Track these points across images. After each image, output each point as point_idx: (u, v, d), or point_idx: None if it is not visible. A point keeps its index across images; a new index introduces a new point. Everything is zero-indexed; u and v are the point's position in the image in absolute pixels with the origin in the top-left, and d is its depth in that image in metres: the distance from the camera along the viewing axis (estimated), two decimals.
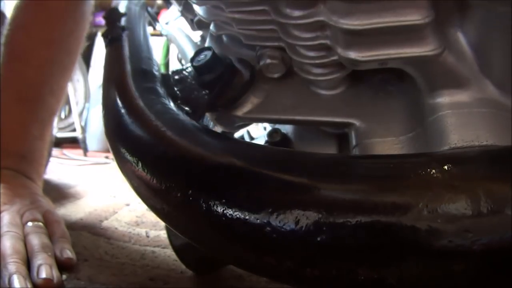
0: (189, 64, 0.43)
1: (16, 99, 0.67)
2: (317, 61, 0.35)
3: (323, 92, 0.39)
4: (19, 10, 0.69)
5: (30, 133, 0.68)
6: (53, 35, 0.69)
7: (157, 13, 1.48)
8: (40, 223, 0.55)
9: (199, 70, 0.41)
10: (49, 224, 0.56)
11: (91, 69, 2.48)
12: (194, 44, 0.84)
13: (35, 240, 0.51)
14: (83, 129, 2.25)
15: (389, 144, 0.35)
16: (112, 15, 0.57)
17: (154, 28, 1.09)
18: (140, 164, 0.35)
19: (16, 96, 0.67)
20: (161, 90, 0.43)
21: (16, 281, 0.44)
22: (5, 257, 0.48)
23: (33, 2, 0.68)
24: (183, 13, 0.53)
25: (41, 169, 0.70)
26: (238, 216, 0.27)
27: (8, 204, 0.57)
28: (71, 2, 0.70)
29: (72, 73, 0.76)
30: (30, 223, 0.54)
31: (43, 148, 0.70)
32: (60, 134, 2.20)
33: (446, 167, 0.24)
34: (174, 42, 0.98)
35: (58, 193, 1.03)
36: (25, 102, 0.68)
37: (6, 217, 0.54)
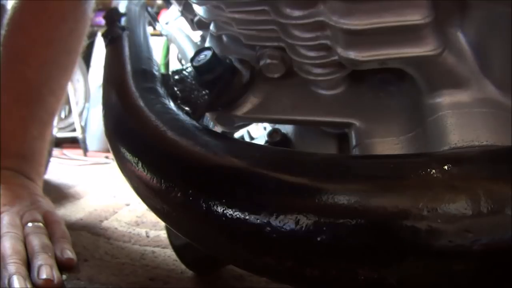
0: (189, 64, 0.43)
1: (15, 99, 0.67)
2: (317, 61, 0.35)
3: (323, 92, 0.39)
4: (18, 11, 0.68)
5: (30, 133, 0.68)
6: (52, 35, 0.69)
7: (157, 13, 1.48)
8: (40, 224, 0.55)
9: (199, 70, 0.41)
10: (49, 224, 0.56)
11: (91, 69, 2.48)
12: (194, 44, 0.84)
13: (35, 241, 0.51)
14: (83, 129, 2.25)
15: (389, 144, 0.35)
16: (112, 15, 0.57)
17: (154, 28, 1.09)
18: (140, 164, 0.35)
19: (15, 96, 0.67)
20: (161, 90, 0.43)
21: (16, 281, 0.44)
22: (4, 257, 0.48)
23: (33, 2, 0.68)
24: (183, 13, 0.53)
25: (41, 169, 0.70)
26: (238, 216, 0.27)
27: (8, 205, 0.57)
28: (71, 2, 0.70)
29: (73, 73, 0.76)
30: (30, 224, 0.54)
31: (43, 148, 0.70)
32: (60, 134, 2.21)
33: (446, 167, 0.24)
34: (174, 42, 0.98)
35: (58, 193, 1.03)
36: (24, 102, 0.68)
37: (6, 218, 0.54)
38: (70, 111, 2.33)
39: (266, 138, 0.45)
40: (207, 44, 0.45)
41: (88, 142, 2.21)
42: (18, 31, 0.68)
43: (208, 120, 0.45)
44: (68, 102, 2.20)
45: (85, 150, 2.13)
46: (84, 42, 0.75)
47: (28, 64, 0.68)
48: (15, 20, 0.68)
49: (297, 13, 0.33)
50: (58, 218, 0.59)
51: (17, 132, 0.67)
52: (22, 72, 0.67)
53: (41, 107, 0.69)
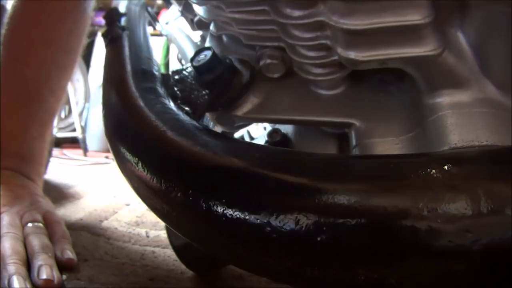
0: (189, 64, 0.43)
1: (15, 99, 0.67)
2: (317, 61, 0.35)
3: (323, 92, 0.39)
4: (17, 10, 0.68)
5: (30, 133, 0.68)
6: (52, 35, 0.69)
7: (157, 13, 1.48)
8: (40, 224, 0.55)
9: (199, 70, 0.41)
10: (49, 224, 0.56)
11: (91, 69, 2.48)
12: (194, 44, 0.84)
13: (35, 241, 0.51)
14: (83, 129, 2.25)
15: (389, 144, 0.35)
16: (112, 15, 0.57)
17: (154, 28, 1.09)
18: (140, 164, 0.35)
19: (15, 96, 0.67)
20: (161, 90, 0.43)
21: (16, 282, 0.44)
22: (4, 258, 0.48)
23: (32, 1, 0.68)
24: (183, 13, 0.53)
25: (41, 169, 0.70)
26: (238, 216, 0.27)
27: (7, 205, 0.56)
28: (70, 1, 0.70)
29: (73, 72, 0.76)
30: (30, 224, 0.54)
31: (43, 148, 0.70)
32: (60, 134, 2.21)
33: (446, 167, 0.24)
34: (174, 42, 0.98)
35: (58, 193, 1.03)
36: (24, 102, 0.68)
37: (6, 218, 0.54)
38: (70, 111, 2.33)
39: (266, 138, 0.45)
40: (207, 44, 0.45)
41: (88, 142, 2.21)
42: (17, 31, 0.68)
43: (208, 120, 0.45)
44: (68, 102, 2.20)
45: (85, 150, 2.13)
46: (84, 42, 0.75)
47: (27, 63, 0.68)
48: (14, 19, 0.68)
49: (297, 13, 0.33)
50: (58, 218, 0.59)
51: (17, 132, 0.67)
52: (21, 72, 0.67)
53: (41, 107, 0.69)
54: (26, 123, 0.68)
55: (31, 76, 0.68)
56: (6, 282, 0.45)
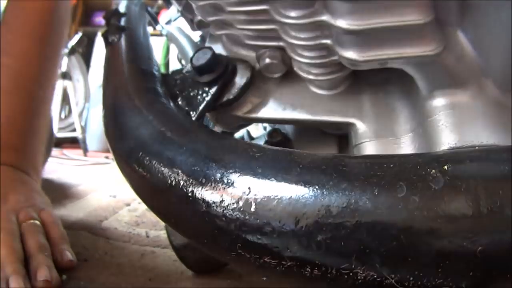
0: (189, 64, 0.43)
1: (3, 91, 0.67)
2: (317, 61, 0.35)
3: (323, 92, 0.39)
4: (5, 8, 0.73)
5: (19, 125, 0.67)
6: (29, 28, 0.72)
7: (157, 13, 1.48)
8: (37, 222, 0.54)
9: (199, 70, 0.41)
10: (45, 223, 0.55)
11: (91, 69, 2.49)
12: (194, 44, 0.84)
13: (32, 240, 0.51)
14: (83, 129, 2.25)
15: (389, 144, 0.35)
16: (112, 15, 0.57)
17: (154, 28, 1.09)
18: (140, 164, 0.35)
19: (3, 88, 0.67)
20: (161, 90, 0.43)
21: (14, 282, 0.44)
22: (2, 257, 0.47)
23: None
24: (183, 13, 0.53)
25: (37, 163, 0.69)
26: (237, 216, 0.27)
27: (2, 201, 0.55)
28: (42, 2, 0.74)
29: (58, 67, 0.80)
30: (26, 222, 0.53)
31: (36, 142, 0.69)
32: (60, 134, 2.21)
33: (446, 167, 0.24)
34: (174, 42, 0.98)
35: (58, 193, 1.03)
36: (9, 94, 0.67)
37: (2, 215, 0.53)
38: (70, 111, 2.33)
39: (266, 138, 0.45)
40: (207, 44, 0.45)
41: (88, 142, 2.21)
42: (3, 27, 0.72)
43: (208, 120, 0.45)
44: (68, 102, 2.20)
45: (85, 150, 2.14)
46: (66, 38, 0.78)
47: (10, 55, 0.70)
48: (3, 18, 0.71)
49: (297, 13, 0.33)
50: (54, 217, 0.58)
51: (6, 125, 0.65)
52: (5, 64, 0.68)
53: (28, 99, 0.70)
54: (14, 115, 0.67)
55: (16, 68, 0.69)
56: (4, 281, 0.45)
